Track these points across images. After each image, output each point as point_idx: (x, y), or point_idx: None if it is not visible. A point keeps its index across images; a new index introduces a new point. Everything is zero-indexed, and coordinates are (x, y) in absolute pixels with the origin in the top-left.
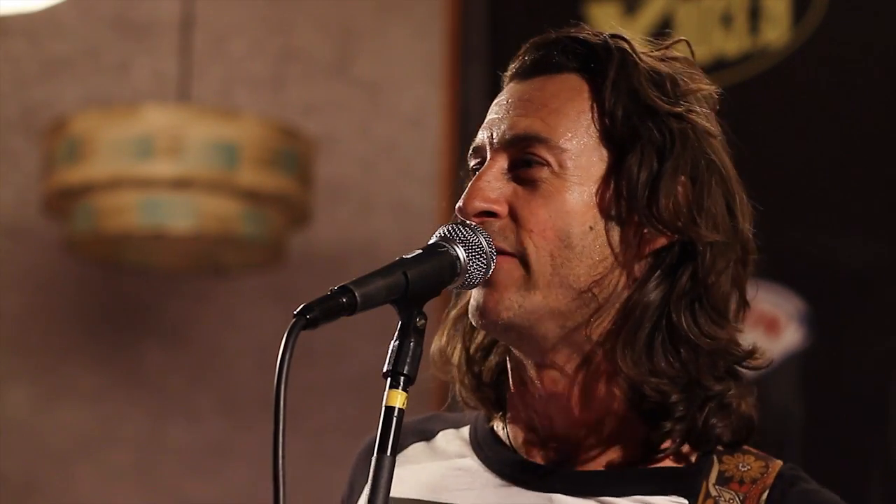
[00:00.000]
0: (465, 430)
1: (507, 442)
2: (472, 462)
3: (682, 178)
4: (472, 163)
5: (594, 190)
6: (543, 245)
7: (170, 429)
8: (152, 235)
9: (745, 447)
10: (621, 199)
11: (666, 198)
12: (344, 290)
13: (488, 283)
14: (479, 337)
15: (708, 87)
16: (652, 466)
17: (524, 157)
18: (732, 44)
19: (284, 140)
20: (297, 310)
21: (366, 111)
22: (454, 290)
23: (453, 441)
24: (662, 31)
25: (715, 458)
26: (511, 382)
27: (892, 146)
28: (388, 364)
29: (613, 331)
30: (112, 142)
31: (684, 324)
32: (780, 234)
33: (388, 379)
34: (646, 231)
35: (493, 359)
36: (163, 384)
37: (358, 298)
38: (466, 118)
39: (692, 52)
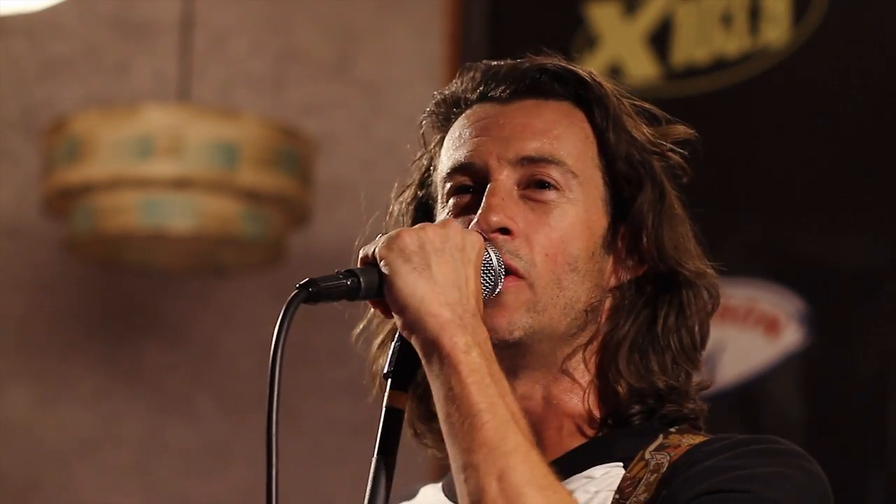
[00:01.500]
0: (442, 482)
1: None
2: (441, 501)
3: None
4: (459, 180)
5: (596, 218)
6: (552, 269)
7: (170, 429)
8: (152, 235)
9: (700, 432)
10: (620, 228)
11: (668, 237)
12: (350, 273)
13: (496, 304)
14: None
15: (687, 131)
16: (597, 437)
17: (536, 178)
18: (732, 44)
19: (284, 140)
20: (301, 282)
21: (366, 111)
22: None
23: (430, 492)
24: (662, 32)
25: (661, 435)
26: None
27: (893, 146)
28: (390, 365)
29: (604, 349)
30: (112, 142)
31: (673, 346)
32: (781, 234)
33: (389, 380)
34: (631, 259)
35: None
36: (163, 384)
37: (362, 284)
38: None
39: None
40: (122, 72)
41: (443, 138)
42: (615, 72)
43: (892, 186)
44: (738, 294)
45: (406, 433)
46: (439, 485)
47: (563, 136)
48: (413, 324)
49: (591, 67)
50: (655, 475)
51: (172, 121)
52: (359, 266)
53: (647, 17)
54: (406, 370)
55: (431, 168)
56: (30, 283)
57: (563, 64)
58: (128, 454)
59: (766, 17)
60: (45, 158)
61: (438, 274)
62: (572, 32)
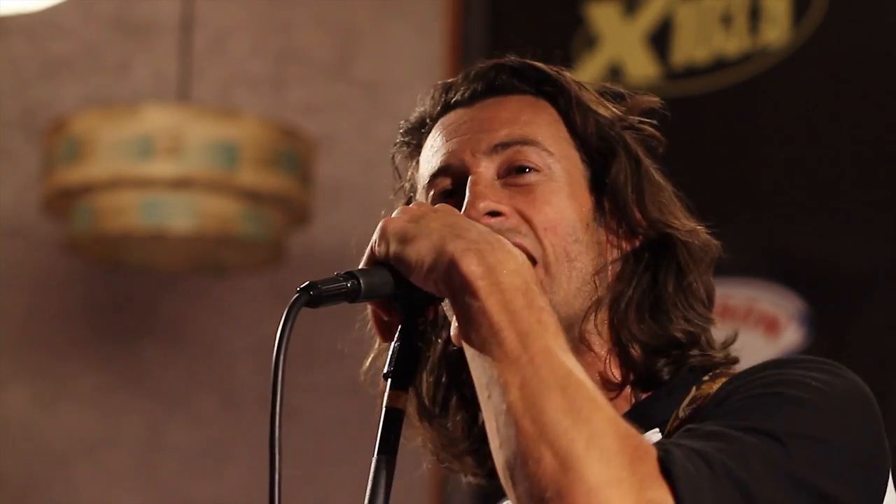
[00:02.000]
0: None
1: None
2: None
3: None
4: (441, 184)
5: (580, 193)
6: (558, 243)
7: (170, 429)
8: (152, 235)
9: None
10: (605, 203)
11: (651, 203)
12: (350, 275)
13: None
14: (430, 389)
15: (652, 100)
16: (632, 408)
17: (515, 164)
18: (732, 44)
19: (284, 140)
20: (302, 286)
21: (366, 111)
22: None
23: None
24: (662, 32)
25: (694, 387)
26: None
27: (892, 146)
28: (390, 365)
29: (614, 315)
30: (112, 142)
31: (679, 304)
32: (781, 235)
33: (390, 380)
34: (622, 231)
35: (460, 413)
36: (163, 384)
37: (362, 285)
38: None
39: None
40: (122, 72)
41: (418, 161)
42: (615, 72)
43: (892, 186)
44: (738, 294)
45: (407, 433)
46: None
47: (531, 121)
48: (437, 274)
49: (591, 67)
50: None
51: (172, 121)
52: (363, 267)
53: (647, 17)
54: (406, 370)
55: (412, 193)
56: (30, 283)
57: (519, 60)
58: (128, 454)
59: (766, 17)
60: (45, 158)
61: (437, 227)
62: (572, 32)
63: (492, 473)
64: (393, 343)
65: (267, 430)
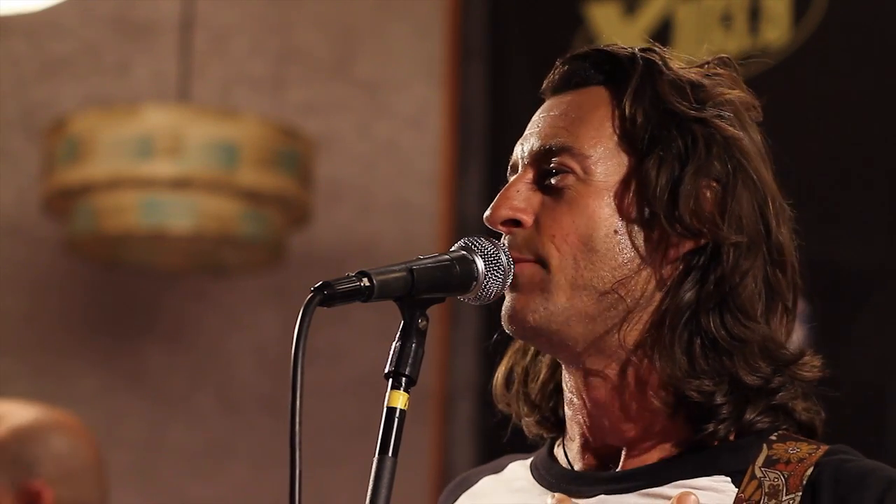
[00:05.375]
0: (530, 459)
1: (564, 458)
2: (526, 483)
3: (706, 181)
4: (511, 176)
5: (617, 194)
6: (566, 249)
7: (170, 429)
8: (152, 235)
9: (799, 436)
10: (643, 203)
11: (685, 201)
12: (363, 274)
13: (511, 290)
14: (527, 358)
15: (738, 94)
16: (703, 448)
17: (550, 167)
18: (732, 44)
19: (284, 140)
20: (316, 285)
21: (366, 111)
22: (468, 302)
23: (517, 469)
24: (663, 32)
25: (765, 444)
26: (564, 399)
27: (892, 146)
28: (390, 365)
29: (649, 335)
30: (112, 142)
31: (711, 326)
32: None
33: (390, 380)
34: (672, 235)
35: (543, 377)
36: (163, 384)
37: (375, 284)
38: (466, 118)
39: (736, 68)
40: (122, 72)
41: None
42: None
43: (892, 186)
44: None
45: (412, 432)
46: (528, 462)
47: (582, 119)
48: None
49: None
50: (773, 500)
51: (172, 121)
52: None
53: (647, 17)
54: (406, 370)
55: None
56: (30, 283)
57: (597, 47)
58: (128, 454)
59: (766, 17)
60: (45, 158)
61: None
62: (572, 32)
63: (544, 422)
64: (393, 343)
65: (267, 431)
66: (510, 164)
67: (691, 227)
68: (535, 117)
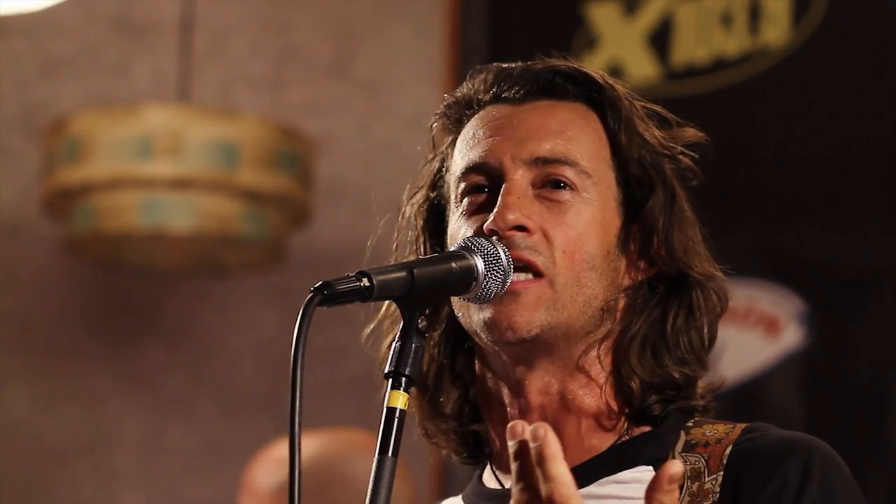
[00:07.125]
0: (461, 494)
1: (494, 479)
2: None
3: (682, 225)
4: (474, 180)
5: (610, 218)
6: (571, 267)
7: (170, 429)
8: (152, 235)
9: (713, 420)
10: (632, 229)
11: (678, 241)
12: (363, 274)
13: (514, 301)
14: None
15: (698, 135)
16: (621, 441)
17: (551, 178)
18: (732, 44)
19: (284, 140)
20: (316, 285)
21: (366, 111)
22: (465, 301)
23: None
24: (662, 32)
25: (682, 431)
26: (489, 411)
27: (893, 146)
28: (390, 365)
29: (617, 346)
30: (112, 142)
31: (682, 344)
32: (781, 234)
33: (390, 380)
34: (642, 261)
35: (453, 391)
36: (163, 384)
37: (375, 284)
38: None
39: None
40: (122, 72)
41: (455, 140)
42: (615, 72)
43: (892, 186)
44: (738, 294)
45: (413, 433)
46: (459, 497)
47: (576, 137)
48: None
49: (591, 67)
50: (697, 483)
51: (172, 121)
52: None
53: (647, 17)
54: (406, 370)
55: (443, 170)
56: (30, 283)
57: (576, 66)
58: (128, 454)
59: (766, 17)
60: (45, 158)
61: None
62: (572, 32)
63: (472, 455)
64: (393, 343)
65: (267, 431)
66: (472, 164)
67: (677, 262)
68: (495, 121)
